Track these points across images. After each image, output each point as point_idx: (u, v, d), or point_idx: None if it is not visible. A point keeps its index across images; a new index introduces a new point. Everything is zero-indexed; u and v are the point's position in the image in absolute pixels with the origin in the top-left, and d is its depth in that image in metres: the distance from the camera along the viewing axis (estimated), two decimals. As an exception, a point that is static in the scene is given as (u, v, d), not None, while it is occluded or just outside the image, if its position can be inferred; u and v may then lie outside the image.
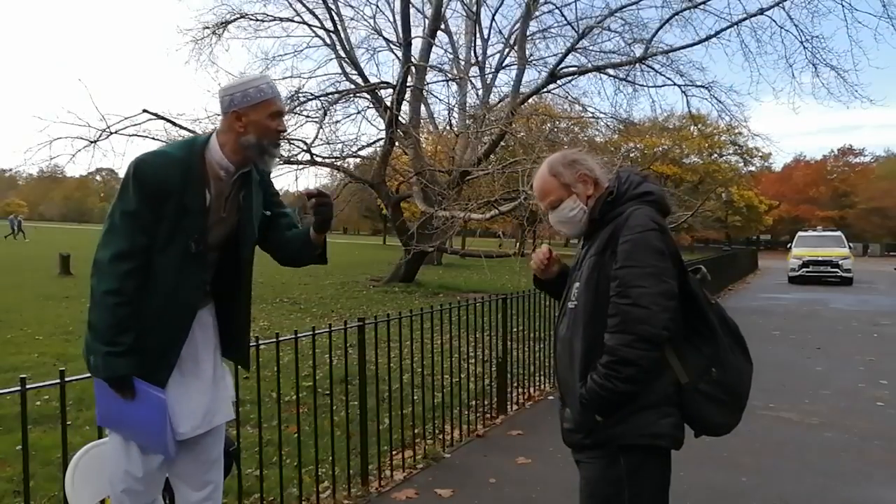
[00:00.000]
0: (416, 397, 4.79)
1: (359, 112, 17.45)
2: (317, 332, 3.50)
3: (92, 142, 13.12)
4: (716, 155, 48.43)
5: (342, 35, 16.56)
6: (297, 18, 16.61)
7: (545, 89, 16.76)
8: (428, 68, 16.77)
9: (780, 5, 14.32)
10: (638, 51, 15.94)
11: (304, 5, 16.26)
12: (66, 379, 2.36)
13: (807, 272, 20.45)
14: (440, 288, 15.99)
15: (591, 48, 16.81)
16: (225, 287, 2.23)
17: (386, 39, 17.75)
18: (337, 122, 17.47)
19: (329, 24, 16.42)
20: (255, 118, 2.05)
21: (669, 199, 2.13)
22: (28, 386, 2.23)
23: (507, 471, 4.05)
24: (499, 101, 17.22)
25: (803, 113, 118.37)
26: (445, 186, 14.23)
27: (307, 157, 15.15)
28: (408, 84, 15.68)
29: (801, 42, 14.72)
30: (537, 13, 16.81)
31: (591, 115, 18.33)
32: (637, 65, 15.91)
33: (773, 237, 61.99)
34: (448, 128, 17.06)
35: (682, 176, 43.87)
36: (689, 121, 25.92)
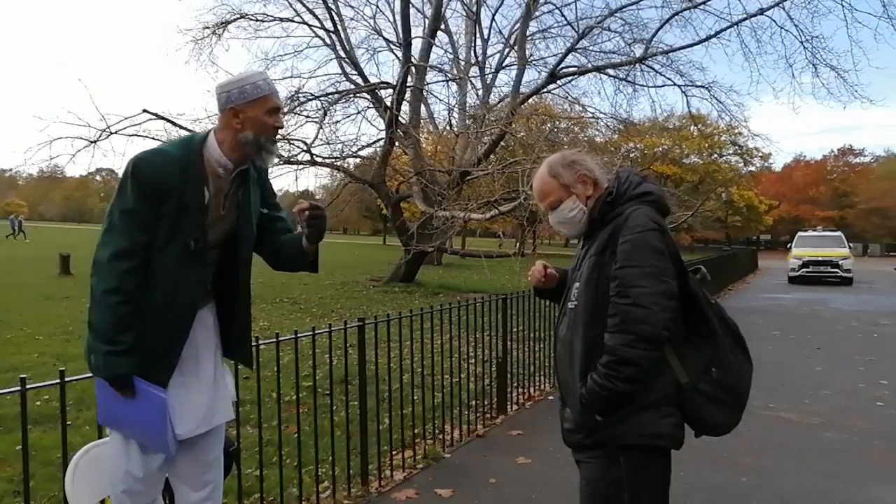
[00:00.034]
0: (416, 397, 4.79)
1: (359, 112, 17.49)
2: (317, 332, 3.50)
3: (92, 142, 13.12)
4: (716, 155, 48.43)
5: (342, 35, 16.57)
6: (297, 18, 16.64)
7: (545, 89, 16.77)
8: (428, 68, 16.78)
9: (780, 5, 14.34)
10: (638, 51, 15.96)
11: (304, 5, 16.29)
12: (66, 379, 2.36)
13: (807, 272, 20.45)
14: (440, 288, 15.99)
15: (591, 48, 16.84)
16: (225, 286, 2.23)
17: (386, 39, 17.79)
18: (337, 122, 17.50)
19: (329, 24, 16.44)
20: (253, 114, 2.05)
21: (669, 199, 2.14)
22: (28, 386, 2.22)
23: (507, 471, 4.05)
24: (499, 101, 17.22)
25: (803, 113, 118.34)
26: (445, 186, 14.23)
27: (307, 157, 15.15)
28: (408, 84, 15.69)
29: (801, 42, 14.75)
30: (537, 13, 16.83)
31: (591, 115, 18.36)
32: (637, 65, 15.92)
33: (773, 237, 62.03)
34: (448, 128, 17.08)
35: (682, 176, 43.88)
36: (689, 121, 25.97)
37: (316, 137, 15.29)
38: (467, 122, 16.56)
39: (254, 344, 3.07)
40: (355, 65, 16.66)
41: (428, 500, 3.62)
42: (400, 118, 15.18)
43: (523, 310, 5.71)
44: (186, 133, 13.11)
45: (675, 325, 1.88)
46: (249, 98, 2.04)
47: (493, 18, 22.99)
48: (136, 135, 13.43)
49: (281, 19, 16.73)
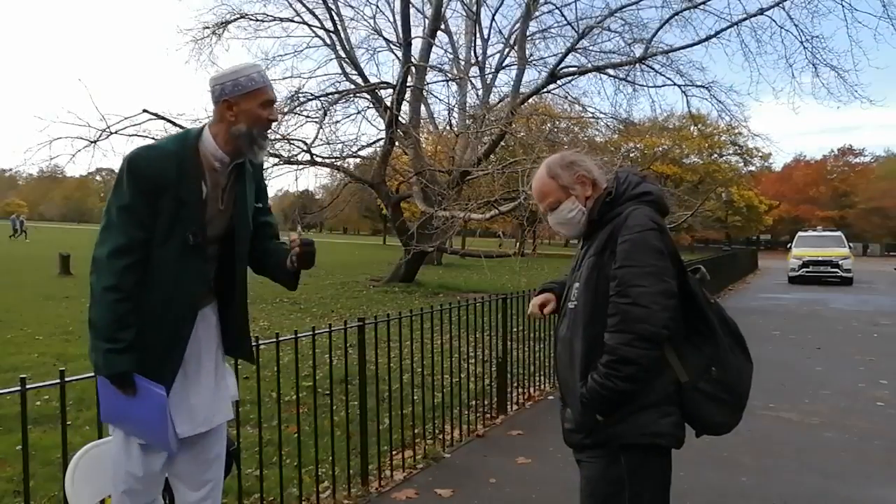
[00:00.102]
0: (416, 397, 4.79)
1: (359, 112, 17.50)
2: (317, 332, 3.50)
3: (92, 142, 13.11)
4: (716, 155, 48.44)
5: (342, 35, 16.58)
6: (297, 18, 16.65)
7: (545, 89, 16.78)
8: (428, 68, 16.78)
9: (780, 5, 14.34)
10: (638, 51, 15.96)
11: (304, 5, 16.29)
12: (66, 379, 2.36)
13: (807, 272, 20.45)
14: (440, 288, 15.99)
15: (591, 48, 16.85)
16: (224, 284, 2.22)
17: (386, 39, 17.79)
18: (337, 122, 17.52)
19: (329, 24, 16.45)
20: (247, 107, 2.05)
21: (668, 198, 2.14)
22: (28, 386, 2.22)
23: (507, 471, 4.05)
24: (499, 101, 17.22)
25: (803, 113, 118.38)
26: (445, 186, 14.22)
27: (307, 157, 15.15)
28: (408, 84, 15.69)
29: (801, 42, 14.74)
30: (537, 13, 16.83)
31: (591, 115, 18.35)
32: (637, 65, 15.92)
33: (773, 237, 62.04)
34: (448, 128, 17.08)
35: (682, 176, 43.87)
36: (689, 121, 25.98)
37: (316, 137, 15.31)
38: (467, 122, 16.56)
39: (254, 344, 3.08)
40: (355, 65, 16.66)
41: (428, 500, 3.62)
42: (400, 118, 15.18)
43: (523, 310, 5.71)
44: (186, 133, 13.11)
45: (675, 325, 1.88)
46: (244, 90, 2.04)
47: (493, 18, 23.01)
48: (136, 135, 13.43)
49: (281, 19, 16.74)
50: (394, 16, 17.33)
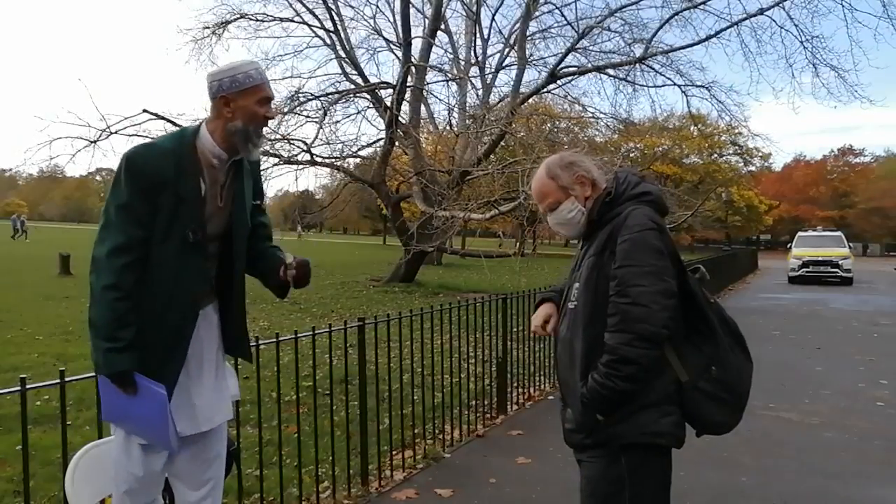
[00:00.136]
0: (416, 397, 4.79)
1: (359, 112, 17.50)
2: (317, 332, 3.50)
3: (92, 142, 13.10)
4: (716, 155, 48.44)
5: (342, 35, 16.58)
6: (297, 18, 16.65)
7: (545, 89, 16.78)
8: (428, 68, 16.78)
9: (780, 5, 14.34)
10: (638, 51, 15.96)
11: (304, 5, 16.29)
12: (66, 379, 2.36)
13: (807, 272, 20.45)
14: (440, 288, 15.99)
15: (591, 48, 16.85)
16: (223, 282, 2.22)
17: (386, 39, 17.79)
18: (337, 122, 17.51)
19: (329, 24, 16.45)
20: (244, 104, 2.05)
21: (668, 198, 2.15)
22: (28, 386, 2.22)
23: (507, 471, 4.05)
24: (499, 101, 17.22)
25: (803, 113, 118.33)
26: (445, 186, 14.22)
27: (307, 157, 15.15)
28: (408, 84, 15.69)
29: (801, 42, 14.74)
30: (537, 13, 16.83)
31: (591, 115, 18.35)
32: (637, 65, 15.92)
33: (773, 237, 62.05)
34: (448, 128, 17.07)
35: (682, 176, 43.88)
36: (689, 121, 25.98)
37: (316, 137, 15.31)
38: (467, 122, 16.56)
39: (254, 344, 3.08)
40: (355, 65, 16.66)
41: (428, 500, 3.62)
42: (400, 118, 15.18)
43: (523, 310, 5.71)
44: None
45: (675, 324, 1.88)
46: (241, 87, 2.04)
47: (493, 18, 23.00)
48: (136, 135, 13.41)
49: (281, 19, 16.74)
50: (394, 16, 17.36)
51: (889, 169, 57.70)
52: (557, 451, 4.20)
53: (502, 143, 17.15)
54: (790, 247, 22.79)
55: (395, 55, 17.53)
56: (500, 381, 5.33)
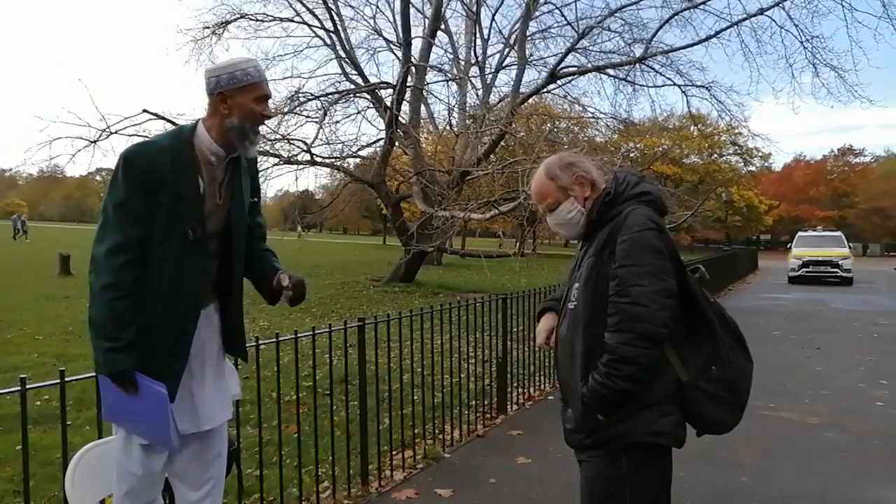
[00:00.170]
0: (416, 397, 4.79)
1: (359, 112, 17.50)
2: (317, 332, 3.50)
3: (92, 142, 13.10)
4: (716, 155, 48.41)
5: (342, 35, 16.58)
6: (297, 18, 16.65)
7: (545, 89, 16.78)
8: (428, 68, 16.78)
9: (780, 5, 14.34)
10: (638, 51, 15.96)
11: (304, 5, 16.29)
12: (66, 379, 2.36)
13: (807, 272, 20.46)
14: (440, 288, 15.99)
15: (591, 48, 16.85)
16: (222, 280, 2.21)
17: (386, 39, 17.80)
18: (337, 122, 17.50)
19: (329, 24, 16.45)
20: (241, 101, 2.04)
21: (668, 198, 2.15)
22: (28, 386, 2.23)
23: (507, 471, 4.05)
24: (499, 101, 17.22)
25: (803, 113, 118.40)
26: (445, 186, 14.23)
27: (307, 157, 15.15)
28: (408, 84, 15.69)
29: (801, 42, 14.74)
30: (537, 13, 16.83)
31: (591, 115, 18.35)
32: (637, 65, 15.92)
33: (773, 237, 62.04)
34: (448, 128, 17.07)
35: (682, 176, 43.84)
36: (689, 121, 25.95)
37: (316, 137, 15.31)
38: (467, 122, 16.56)
39: (253, 344, 3.09)
40: (355, 65, 16.66)
41: (428, 500, 3.62)
42: (400, 118, 15.18)
43: (523, 310, 5.72)
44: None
45: (675, 324, 1.88)
46: (239, 84, 2.03)
47: (493, 18, 23.00)
48: (136, 135, 13.41)
49: (281, 19, 16.75)
50: (394, 16, 17.36)
51: (889, 169, 57.69)
52: (557, 451, 4.20)
53: (502, 143, 17.15)
54: (790, 247, 22.79)
55: (395, 55, 17.56)
56: (500, 381, 5.33)
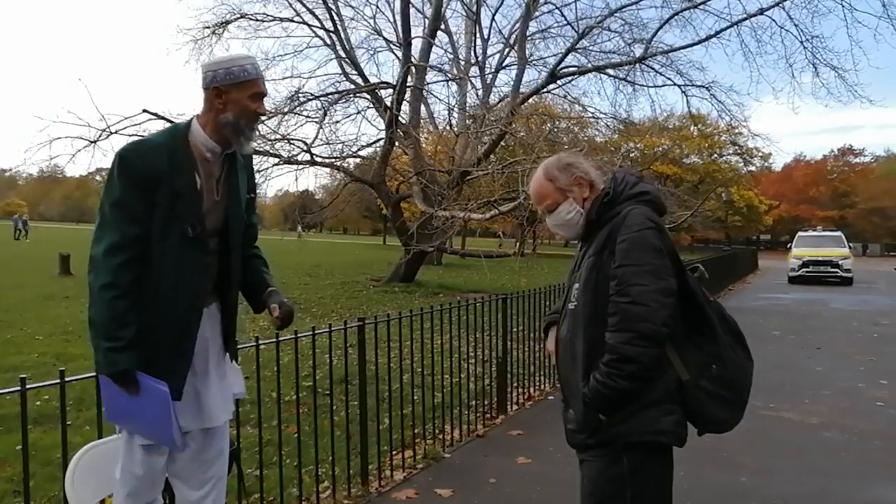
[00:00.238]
0: (416, 397, 4.79)
1: (359, 112, 17.48)
2: (317, 332, 3.50)
3: (92, 142, 13.09)
4: (716, 155, 48.41)
5: (342, 35, 16.58)
6: (297, 18, 16.63)
7: (545, 89, 16.77)
8: (428, 68, 16.77)
9: (780, 5, 14.33)
10: (638, 51, 15.95)
11: (304, 5, 16.28)
12: (66, 379, 2.36)
13: (807, 272, 20.45)
14: (440, 288, 15.99)
15: (591, 48, 16.83)
16: (222, 278, 2.21)
17: (386, 39, 17.78)
18: (337, 122, 17.49)
19: (329, 24, 16.44)
20: (236, 97, 2.04)
21: (666, 198, 2.16)
22: (28, 386, 2.23)
23: (507, 471, 4.05)
24: (499, 101, 17.22)
25: (803, 113, 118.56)
26: (445, 186, 14.22)
27: (307, 157, 15.15)
28: (408, 84, 15.68)
29: (801, 42, 14.73)
30: (537, 13, 16.81)
31: (591, 115, 18.34)
32: (637, 65, 15.91)
33: (773, 237, 62.04)
34: (448, 128, 17.06)
35: (682, 176, 43.84)
36: (689, 121, 25.98)
37: (316, 137, 15.29)
38: (467, 122, 16.56)
39: (253, 344, 3.09)
40: (355, 65, 16.66)
41: (428, 500, 3.62)
42: (400, 118, 15.18)
43: (523, 310, 5.72)
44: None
45: (675, 323, 1.89)
46: (235, 80, 2.03)
47: (493, 18, 22.94)
48: (136, 135, 13.39)
49: (281, 19, 16.73)
50: (394, 16, 17.35)
51: (889, 169, 57.72)
52: (557, 451, 4.20)
53: (502, 143, 17.14)
54: (790, 247, 22.79)
55: (395, 55, 17.55)
56: (500, 381, 5.33)
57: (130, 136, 13.33)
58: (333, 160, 16.27)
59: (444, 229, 14.13)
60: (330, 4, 16.25)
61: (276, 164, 14.74)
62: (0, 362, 6.72)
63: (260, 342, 3.12)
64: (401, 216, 17.23)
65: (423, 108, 17.26)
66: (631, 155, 28.72)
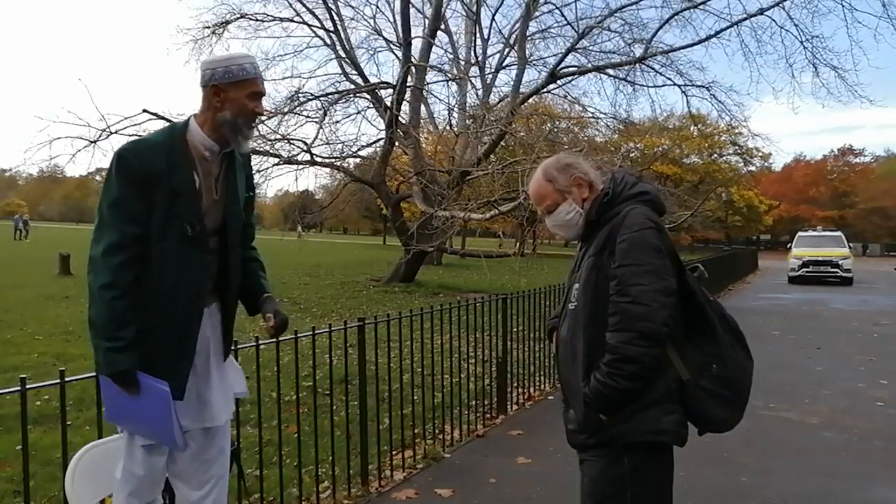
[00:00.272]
0: (416, 397, 4.79)
1: (359, 112, 17.50)
2: (317, 332, 3.50)
3: (92, 142, 13.10)
4: (716, 155, 48.41)
5: (342, 35, 16.58)
6: (297, 18, 16.64)
7: (545, 89, 16.77)
8: (428, 68, 16.78)
9: (780, 5, 14.33)
10: (638, 51, 15.95)
11: (304, 5, 16.29)
12: (66, 379, 2.36)
13: (807, 272, 20.45)
14: (440, 288, 15.99)
15: (591, 48, 16.83)
16: (221, 279, 2.21)
17: (386, 39, 17.79)
18: (337, 122, 17.52)
19: (329, 24, 16.45)
20: (234, 95, 2.04)
21: (666, 198, 2.16)
22: (28, 386, 2.22)
23: (507, 471, 4.05)
24: (499, 101, 17.22)
25: (803, 113, 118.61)
26: (445, 186, 14.22)
27: (307, 157, 15.15)
28: (408, 84, 15.69)
29: (801, 42, 14.73)
30: (537, 13, 16.82)
31: (591, 115, 18.33)
32: (637, 65, 15.91)
33: (773, 237, 62.03)
34: (448, 128, 17.06)
35: (682, 176, 43.83)
36: (689, 121, 25.96)
37: (316, 137, 15.31)
38: (467, 122, 16.56)
39: (253, 344, 3.09)
40: (355, 65, 16.66)
41: (428, 500, 3.62)
42: (400, 118, 15.18)
43: (523, 310, 5.72)
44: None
45: (675, 323, 1.89)
46: (234, 79, 2.03)
47: (493, 18, 22.94)
48: (135, 135, 13.39)
49: (281, 19, 16.74)
50: (394, 16, 17.35)
51: (889, 169, 57.72)
52: (557, 451, 4.20)
53: (502, 143, 17.14)
54: (790, 247, 22.79)
55: (395, 55, 17.55)
56: (500, 381, 5.33)
57: (130, 136, 13.33)
58: (333, 160, 16.27)
59: (444, 229, 14.13)
60: (330, 4, 16.27)
61: (276, 164, 14.75)
62: (0, 362, 6.72)
63: (260, 342, 3.12)
64: (401, 216, 17.24)
65: (423, 108, 17.27)
66: (631, 155, 28.71)
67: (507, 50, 17.76)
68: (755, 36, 15.41)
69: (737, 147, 45.68)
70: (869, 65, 40.62)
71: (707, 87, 16.55)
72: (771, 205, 54.64)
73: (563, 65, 16.11)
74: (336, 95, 16.40)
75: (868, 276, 24.18)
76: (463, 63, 17.51)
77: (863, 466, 4.21)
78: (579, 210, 2.09)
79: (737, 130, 26.89)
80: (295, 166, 15.43)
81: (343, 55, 16.65)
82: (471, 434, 4.75)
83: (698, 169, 46.79)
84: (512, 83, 16.95)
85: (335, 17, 16.40)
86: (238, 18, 16.51)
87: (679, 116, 32.44)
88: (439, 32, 17.00)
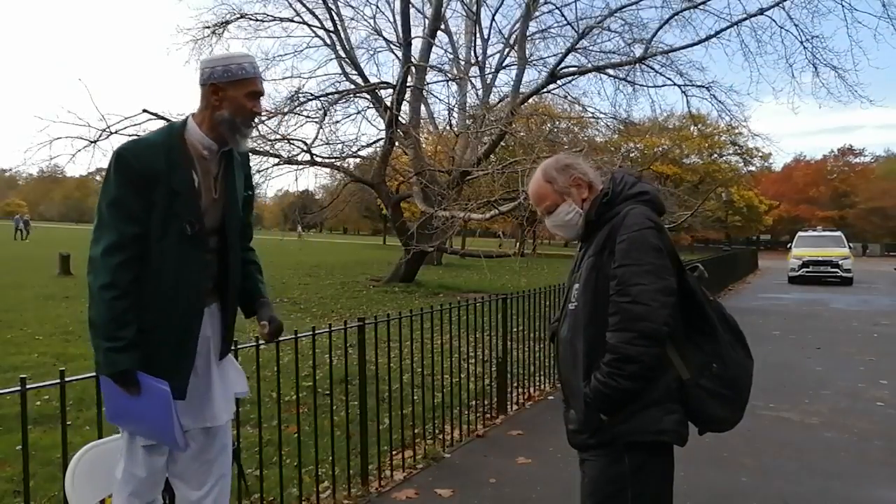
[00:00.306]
0: (416, 397, 4.79)
1: (359, 112, 17.50)
2: (317, 332, 3.50)
3: (92, 142, 13.10)
4: (716, 155, 48.40)
5: (342, 35, 16.58)
6: (297, 18, 16.64)
7: (545, 89, 16.77)
8: (428, 68, 16.78)
9: (780, 5, 14.32)
10: (638, 51, 15.94)
11: (304, 5, 16.29)
12: (66, 379, 2.36)
13: (807, 272, 20.46)
14: (440, 288, 15.99)
15: (591, 48, 16.82)
16: (221, 279, 2.21)
17: (386, 39, 17.79)
18: (337, 122, 17.54)
19: (329, 25, 16.45)
20: (233, 94, 2.04)
21: (667, 198, 2.16)
22: (28, 386, 2.22)
23: (507, 471, 4.05)
24: (499, 101, 17.22)
25: (803, 113, 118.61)
26: (445, 186, 14.22)
27: (307, 157, 15.15)
28: (408, 84, 15.69)
29: (801, 42, 14.72)
30: (537, 13, 16.81)
31: (591, 115, 18.33)
32: (637, 65, 15.90)
33: (773, 237, 62.04)
34: (448, 128, 17.06)
35: (682, 176, 43.82)
36: (689, 121, 25.94)
37: (316, 137, 15.32)
38: (467, 122, 16.56)
39: (253, 344, 3.09)
40: (355, 65, 16.66)
41: (428, 500, 3.62)
42: (400, 118, 15.18)
43: (523, 310, 5.72)
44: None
45: (676, 322, 1.89)
46: (233, 78, 2.04)
47: (493, 18, 22.98)
48: (135, 135, 13.39)
49: (281, 19, 16.73)
50: (394, 16, 17.35)
51: (889, 169, 57.71)
52: (557, 451, 4.20)
53: (502, 143, 17.14)
54: (790, 247, 22.79)
55: (395, 55, 17.55)
56: (500, 381, 5.33)
57: (130, 135, 13.31)
58: (333, 160, 16.28)
59: (444, 229, 14.13)
60: (330, 4, 16.27)
61: (276, 164, 14.75)
62: (0, 362, 6.72)
63: (260, 342, 3.12)
64: (401, 216, 17.24)
65: (423, 108, 17.27)
66: (631, 155, 28.72)
67: (507, 50, 17.77)
68: (755, 36, 15.43)
69: (737, 147, 45.65)
70: (869, 65, 40.65)
71: (707, 87, 16.55)
72: (771, 205, 54.64)
73: (563, 65, 16.11)
74: (336, 95, 16.40)
75: (868, 276, 24.18)
76: (463, 63, 17.51)
77: (863, 466, 4.21)
78: (579, 210, 2.09)
79: (737, 130, 26.87)
80: (295, 166, 15.44)
81: (343, 55, 16.65)
82: (471, 434, 4.75)
83: (698, 169, 46.79)
84: (512, 83, 16.97)
85: (335, 17, 16.41)
86: (238, 18, 16.51)
87: (679, 116, 32.47)
88: (439, 32, 17.02)
